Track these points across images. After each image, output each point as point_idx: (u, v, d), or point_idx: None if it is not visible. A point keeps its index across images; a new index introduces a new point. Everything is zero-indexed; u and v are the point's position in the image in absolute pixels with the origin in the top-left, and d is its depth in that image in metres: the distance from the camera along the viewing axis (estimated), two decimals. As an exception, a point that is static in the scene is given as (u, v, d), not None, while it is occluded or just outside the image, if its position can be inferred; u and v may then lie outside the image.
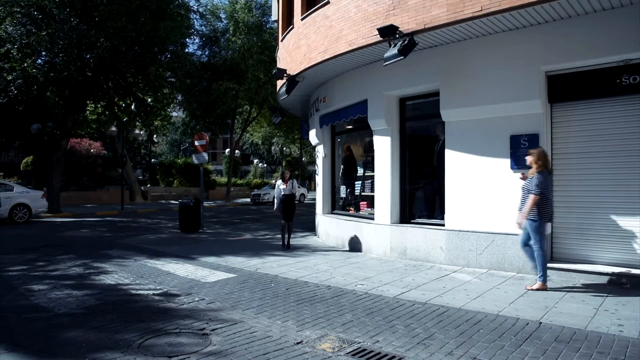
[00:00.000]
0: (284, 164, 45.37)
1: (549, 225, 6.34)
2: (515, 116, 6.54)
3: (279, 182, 9.38)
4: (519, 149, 6.51)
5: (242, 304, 5.18)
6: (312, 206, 14.35)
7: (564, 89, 6.35)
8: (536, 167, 5.53)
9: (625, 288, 5.42)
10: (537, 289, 5.50)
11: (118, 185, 22.92)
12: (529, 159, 5.63)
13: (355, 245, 8.89)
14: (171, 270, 7.18)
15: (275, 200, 9.43)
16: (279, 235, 10.33)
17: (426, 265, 7.24)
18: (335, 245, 9.62)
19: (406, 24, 6.68)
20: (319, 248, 9.37)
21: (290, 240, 9.42)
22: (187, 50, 22.81)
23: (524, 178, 5.83)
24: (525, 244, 5.66)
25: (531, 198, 5.44)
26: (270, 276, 6.67)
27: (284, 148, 47.12)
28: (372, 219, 8.55)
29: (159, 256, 8.48)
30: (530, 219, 5.49)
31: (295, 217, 9.60)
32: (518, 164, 6.52)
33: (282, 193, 9.19)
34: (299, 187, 30.39)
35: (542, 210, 5.46)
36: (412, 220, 8.10)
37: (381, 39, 6.83)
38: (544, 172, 5.50)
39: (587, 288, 5.59)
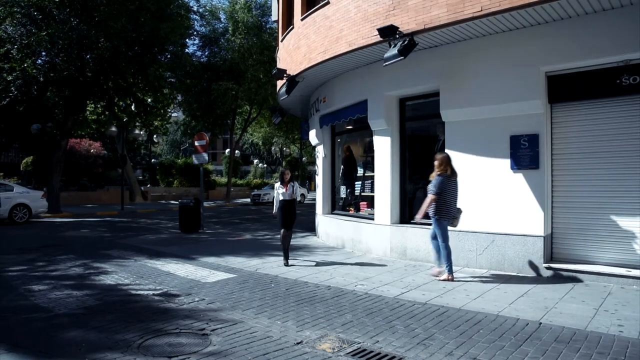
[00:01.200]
0: (284, 163, 45.30)
1: (549, 225, 6.42)
2: (515, 116, 6.54)
3: (277, 184, 7.76)
4: (519, 149, 6.51)
5: (242, 304, 5.18)
6: (312, 206, 14.36)
7: (564, 89, 6.35)
8: (438, 170, 6.21)
9: None
10: (444, 280, 6.13)
11: (118, 185, 22.93)
12: (435, 163, 6.28)
13: (355, 245, 8.89)
14: (171, 270, 7.17)
15: (275, 204, 7.91)
16: (279, 236, 10.32)
17: (426, 265, 7.23)
18: (335, 245, 9.62)
19: (406, 24, 6.68)
20: (319, 248, 9.37)
21: (290, 244, 9.01)
22: (187, 50, 22.82)
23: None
24: (434, 237, 6.36)
25: (428, 197, 6.18)
26: (271, 276, 6.67)
27: (284, 148, 47.12)
28: (372, 219, 8.55)
29: (159, 256, 8.48)
30: (431, 217, 6.20)
31: (296, 217, 9.42)
32: (518, 164, 6.52)
33: (281, 198, 7.60)
34: (299, 187, 30.41)
35: (441, 209, 6.13)
36: (412, 221, 8.09)
37: (381, 39, 6.84)
38: (444, 175, 6.14)
39: (587, 288, 5.59)
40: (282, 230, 7.60)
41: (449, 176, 6.20)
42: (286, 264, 7.49)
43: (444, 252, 6.15)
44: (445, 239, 6.17)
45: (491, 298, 5.24)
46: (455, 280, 6.06)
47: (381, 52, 7.11)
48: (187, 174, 33.74)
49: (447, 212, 6.16)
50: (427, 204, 6.11)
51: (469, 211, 7.06)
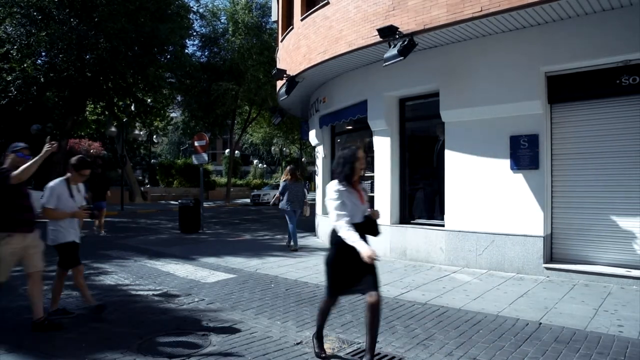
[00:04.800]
0: (283, 164, 45.24)
1: (549, 225, 6.46)
2: (515, 117, 6.54)
3: (338, 186, 3.43)
4: (519, 149, 6.51)
5: (242, 304, 5.18)
6: (312, 206, 14.34)
7: (564, 89, 6.36)
8: (284, 177, 9.44)
9: None
10: (293, 250, 8.84)
11: (118, 185, 22.90)
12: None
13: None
14: (171, 270, 7.17)
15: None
16: (279, 236, 10.34)
17: (426, 265, 7.24)
18: (335, 245, 9.60)
19: (406, 25, 6.68)
20: (319, 248, 9.36)
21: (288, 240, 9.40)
22: (186, 50, 22.83)
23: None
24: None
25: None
26: (270, 277, 6.66)
27: (284, 148, 47.11)
28: (372, 219, 8.53)
29: (158, 257, 8.47)
30: (283, 208, 9.12)
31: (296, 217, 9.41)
32: (518, 164, 6.53)
33: (345, 220, 3.45)
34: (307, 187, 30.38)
35: (290, 202, 9.02)
36: (412, 221, 8.10)
37: (381, 39, 6.84)
38: (287, 181, 9.19)
39: (587, 288, 5.59)
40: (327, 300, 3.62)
41: (295, 181, 9.22)
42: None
43: (293, 232, 9.07)
44: (294, 222, 9.08)
45: (491, 298, 5.24)
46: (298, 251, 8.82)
47: (381, 53, 7.11)
48: (187, 174, 33.73)
49: (293, 205, 9.01)
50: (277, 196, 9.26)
51: (469, 211, 7.07)
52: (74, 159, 4.82)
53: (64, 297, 5.53)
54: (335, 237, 3.42)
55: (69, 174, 4.72)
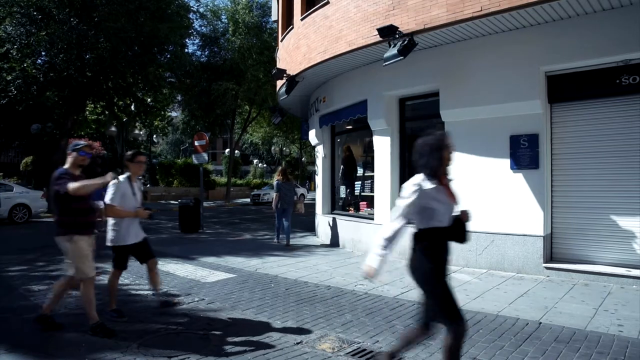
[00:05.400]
0: (283, 163, 45.27)
1: (549, 225, 6.45)
2: (515, 116, 6.54)
3: (425, 182, 2.80)
4: (519, 149, 6.51)
5: (242, 304, 5.18)
6: (312, 206, 14.35)
7: (564, 89, 6.36)
8: (277, 178, 9.91)
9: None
10: (286, 245, 9.39)
11: (118, 185, 22.82)
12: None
13: (355, 245, 8.89)
14: (171, 270, 7.17)
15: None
16: (280, 236, 10.33)
17: (426, 265, 7.23)
18: (335, 245, 9.61)
19: (406, 24, 6.68)
20: (319, 248, 9.36)
21: (290, 244, 9.39)
22: (186, 50, 22.80)
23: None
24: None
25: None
26: (270, 276, 6.66)
27: (284, 148, 47.11)
28: (372, 219, 8.55)
29: (158, 256, 8.28)
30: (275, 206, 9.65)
31: (295, 217, 9.51)
32: (518, 164, 6.53)
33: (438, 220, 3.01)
34: (297, 186, 30.43)
35: (280, 200, 9.55)
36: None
37: (381, 39, 6.84)
38: (279, 181, 9.68)
39: (587, 288, 5.59)
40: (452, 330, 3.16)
41: (286, 181, 9.71)
42: None
43: (288, 230, 9.59)
44: (289, 219, 9.65)
45: (491, 298, 5.24)
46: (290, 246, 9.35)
47: (381, 52, 7.11)
48: (186, 174, 33.70)
49: (281, 205, 9.59)
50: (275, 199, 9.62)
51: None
52: (127, 154, 4.84)
53: (64, 296, 5.53)
54: (423, 242, 2.76)
55: (128, 173, 4.68)
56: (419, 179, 2.74)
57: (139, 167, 4.73)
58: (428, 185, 2.68)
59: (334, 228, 9.88)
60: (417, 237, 2.79)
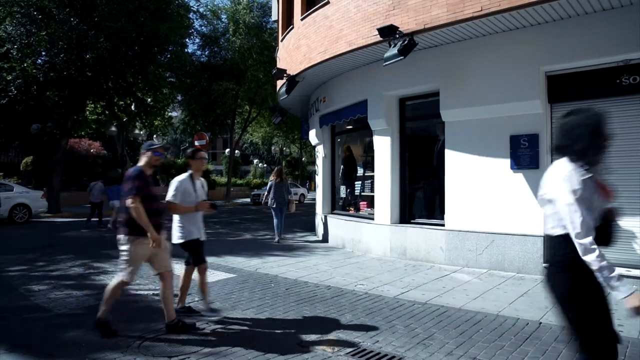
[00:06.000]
0: (283, 163, 45.21)
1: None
2: (515, 116, 6.54)
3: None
4: (519, 149, 6.51)
5: (242, 304, 5.18)
6: (312, 206, 14.36)
7: (564, 89, 6.36)
8: (271, 178, 10.56)
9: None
10: (276, 242, 10.08)
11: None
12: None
13: (355, 245, 8.89)
14: (171, 270, 7.16)
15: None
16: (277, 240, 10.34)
17: (426, 265, 7.24)
18: (335, 245, 9.62)
19: (406, 24, 6.68)
20: (319, 248, 9.37)
21: (289, 240, 9.44)
22: (186, 50, 22.80)
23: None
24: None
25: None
26: (270, 276, 6.66)
27: (284, 148, 47.11)
28: (372, 219, 8.55)
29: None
30: (270, 206, 10.33)
31: (295, 217, 9.51)
32: (518, 164, 6.53)
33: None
34: (297, 186, 30.44)
35: (273, 199, 10.21)
36: (412, 221, 8.10)
37: (381, 39, 6.84)
38: (272, 181, 10.35)
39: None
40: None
41: (281, 181, 10.38)
42: None
43: (279, 226, 10.28)
44: (279, 217, 10.28)
45: (491, 298, 5.24)
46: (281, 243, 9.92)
47: (381, 52, 7.11)
48: (187, 174, 33.65)
49: (277, 202, 10.17)
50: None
51: (469, 211, 7.07)
52: (188, 152, 4.88)
53: (64, 296, 5.55)
54: (573, 260, 2.12)
55: (190, 170, 4.66)
56: (572, 166, 2.16)
57: (200, 163, 4.73)
58: (586, 176, 2.14)
59: (334, 228, 9.88)
60: (561, 244, 2.20)
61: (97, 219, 14.33)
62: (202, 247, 4.82)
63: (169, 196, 4.49)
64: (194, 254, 4.74)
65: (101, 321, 4.08)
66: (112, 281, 4.22)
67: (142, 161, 4.17)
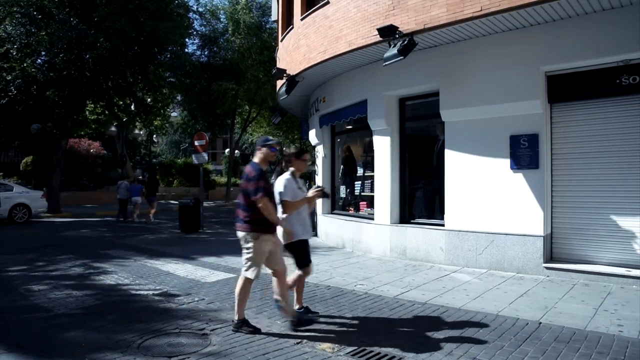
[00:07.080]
0: (283, 164, 45.13)
1: (549, 225, 6.49)
2: (515, 116, 6.54)
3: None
4: (519, 149, 6.51)
5: (242, 304, 5.17)
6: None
7: (564, 89, 6.36)
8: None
9: None
10: None
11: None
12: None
13: (355, 245, 8.89)
14: (171, 270, 7.17)
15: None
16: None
17: (426, 265, 7.24)
18: (335, 245, 9.62)
19: (406, 24, 6.68)
20: (319, 248, 9.36)
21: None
22: (186, 50, 22.80)
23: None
24: None
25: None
26: (270, 276, 6.63)
27: (284, 148, 47.11)
28: (372, 219, 8.55)
29: (158, 256, 8.47)
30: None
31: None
32: (518, 164, 6.53)
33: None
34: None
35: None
36: (412, 221, 8.10)
37: (381, 39, 6.84)
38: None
39: (587, 288, 5.59)
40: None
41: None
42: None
43: None
44: None
45: (491, 298, 5.24)
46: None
47: (381, 52, 7.11)
48: (186, 173, 33.69)
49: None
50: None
51: (469, 211, 7.07)
52: (293, 152, 4.93)
53: (64, 296, 5.54)
54: None
55: (292, 168, 4.62)
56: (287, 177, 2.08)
57: (303, 164, 4.71)
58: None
59: (334, 228, 9.88)
60: None
61: (123, 213, 15.89)
62: (308, 248, 4.69)
63: (283, 195, 4.40)
64: (299, 255, 4.61)
65: (241, 321, 4.20)
66: (238, 282, 4.30)
67: (258, 157, 4.20)
